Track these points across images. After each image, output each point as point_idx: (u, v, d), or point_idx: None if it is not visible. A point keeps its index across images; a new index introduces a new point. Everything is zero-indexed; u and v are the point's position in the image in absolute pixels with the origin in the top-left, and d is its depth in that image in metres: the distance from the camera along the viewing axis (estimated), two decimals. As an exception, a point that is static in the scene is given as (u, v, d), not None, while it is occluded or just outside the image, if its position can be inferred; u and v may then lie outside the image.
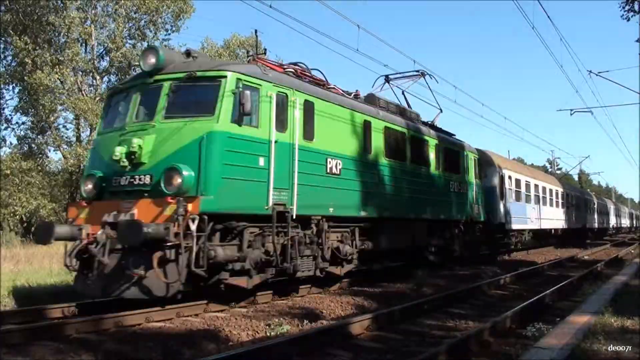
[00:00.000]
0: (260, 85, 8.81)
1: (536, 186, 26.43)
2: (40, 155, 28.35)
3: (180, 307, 8.37)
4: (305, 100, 9.75)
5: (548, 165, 64.73)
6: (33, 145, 28.13)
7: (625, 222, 70.30)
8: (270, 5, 10.97)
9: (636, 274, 13.14)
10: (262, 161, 8.59)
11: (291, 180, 9.17)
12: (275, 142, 8.83)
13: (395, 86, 15.67)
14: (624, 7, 17.06)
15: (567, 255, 23.62)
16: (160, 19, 28.87)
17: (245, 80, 8.48)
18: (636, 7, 16.81)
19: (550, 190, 29.27)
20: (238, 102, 8.15)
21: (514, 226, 21.93)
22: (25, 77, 25.31)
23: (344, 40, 36.21)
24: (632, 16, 17.13)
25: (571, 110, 26.75)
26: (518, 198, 23.26)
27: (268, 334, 7.31)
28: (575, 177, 69.08)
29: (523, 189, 24.03)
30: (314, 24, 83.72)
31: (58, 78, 25.87)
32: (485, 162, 19.77)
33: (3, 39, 26.51)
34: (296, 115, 9.43)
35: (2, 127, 28.16)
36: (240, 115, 8.22)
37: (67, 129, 29.07)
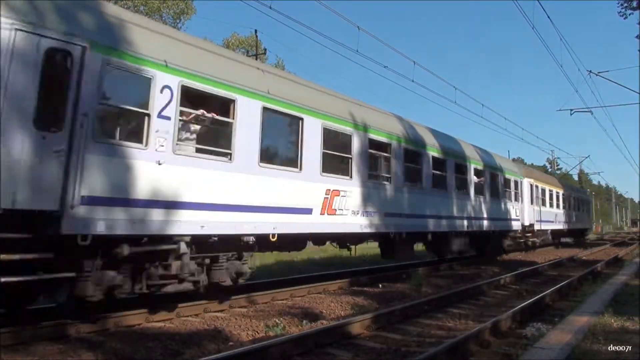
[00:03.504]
0: None
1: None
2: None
3: (180, 307, 8.37)
4: None
5: (548, 165, 64.72)
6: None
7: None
8: (270, 6, 10.97)
9: (636, 274, 13.15)
10: None
11: None
12: None
13: None
14: (622, 5, 17.10)
15: (567, 255, 23.63)
16: (161, 19, 28.88)
17: None
18: (635, 4, 16.85)
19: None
20: None
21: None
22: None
23: (344, 41, 36.15)
24: (630, 14, 17.17)
25: (571, 110, 26.81)
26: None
27: (268, 334, 7.32)
28: (575, 177, 69.07)
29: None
30: (314, 24, 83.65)
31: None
32: None
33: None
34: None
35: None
36: None
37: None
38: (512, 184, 21.25)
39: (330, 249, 15.73)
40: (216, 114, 8.03)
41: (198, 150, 7.92)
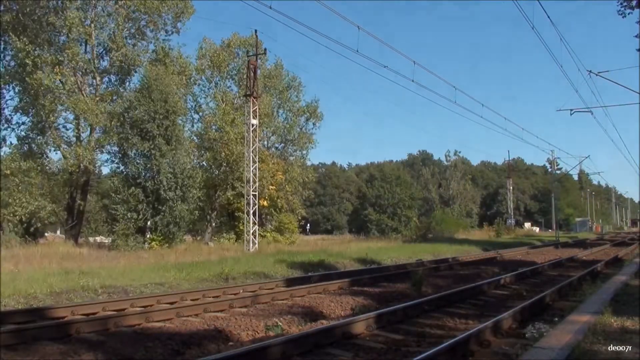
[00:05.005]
0: None
1: None
2: (40, 156, 28.25)
3: (180, 307, 8.38)
4: None
5: (548, 165, 64.78)
6: (33, 146, 28.04)
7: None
8: (270, 6, 10.97)
9: (636, 274, 13.15)
10: None
11: None
12: None
13: None
14: (621, 4, 17.09)
15: (567, 255, 23.64)
16: (161, 19, 28.81)
17: None
18: (634, 4, 16.84)
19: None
20: None
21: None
22: (26, 78, 25.28)
23: (344, 41, 36.08)
24: (629, 13, 17.16)
25: (571, 110, 26.61)
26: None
27: (268, 334, 7.32)
28: (575, 177, 69.14)
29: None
30: (314, 24, 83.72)
31: (59, 79, 25.83)
32: None
33: (3, 39, 26.51)
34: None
35: (3, 127, 28.11)
36: None
37: (67, 129, 29.01)
38: None
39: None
40: None
41: None
